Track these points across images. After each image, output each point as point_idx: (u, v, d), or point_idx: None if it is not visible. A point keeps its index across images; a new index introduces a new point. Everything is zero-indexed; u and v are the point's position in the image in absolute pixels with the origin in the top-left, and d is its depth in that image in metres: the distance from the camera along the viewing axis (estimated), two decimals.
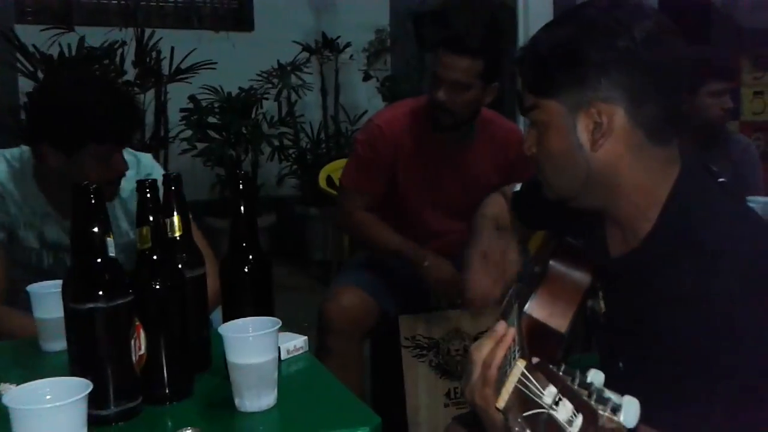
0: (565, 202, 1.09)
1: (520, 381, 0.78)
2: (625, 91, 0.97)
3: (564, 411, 0.68)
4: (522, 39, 4.02)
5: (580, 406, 0.67)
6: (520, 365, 0.80)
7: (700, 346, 0.91)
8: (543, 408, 0.70)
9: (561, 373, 0.72)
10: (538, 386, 0.74)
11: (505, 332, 0.92)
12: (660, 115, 0.99)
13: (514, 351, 0.87)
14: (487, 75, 2.11)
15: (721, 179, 1.05)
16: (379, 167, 2.20)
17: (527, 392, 0.76)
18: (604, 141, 0.99)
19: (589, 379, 0.71)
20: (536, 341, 0.92)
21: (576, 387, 0.69)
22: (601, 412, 0.65)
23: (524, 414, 0.73)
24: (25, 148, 1.66)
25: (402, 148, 2.19)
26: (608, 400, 0.67)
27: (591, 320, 1.12)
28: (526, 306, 1.06)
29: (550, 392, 0.71)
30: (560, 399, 0.69)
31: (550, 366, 0.74)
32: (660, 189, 1.01)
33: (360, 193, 2.23)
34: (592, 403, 0.66)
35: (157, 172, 1.71)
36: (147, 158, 1.77)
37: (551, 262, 1.11)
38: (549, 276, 1.09)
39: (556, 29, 1.03)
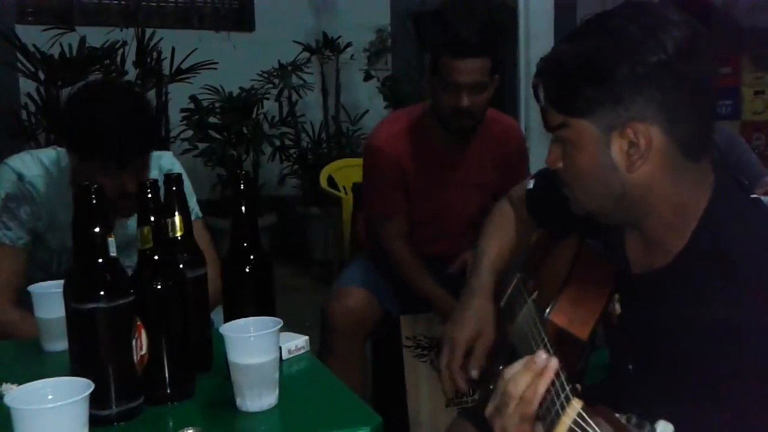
0: (593, 219, 1.05)
1: (575, 422, 0.73)
2: (661, 108, 0.92)
3: None
4: (522, 39, 4.03)
5: None
6: (576, 405, 0.75)
7: (725, 366, 0.89)
8: None
9: (631, 426, 0.67)
10: None
11: (546, 364, 0.84)
12: (696, 130, 0.95)
13: (562, 386, 0.81)
14: (494, 69, 2.11)
15: (754, 195, 1.01)
16: (394, 187, 2.18)
17: None
18: (642, 162, 0.94)
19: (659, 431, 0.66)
20: (557, 349, 0.90)
21: None
22: None
23: None
24: (61, 150, 1.66)
25: (406, 164, 2.18)
26: None
27: (603, 321, 1.11)
28: (548, 311, 1.04)
29: None
30: None
31: (617, 415, 0.69)
32: (693, 205, 0.97)
33: (389, 219, 2.19)
34: None
35: (177, 169, 1.70)
36: (167, 158, 1.75)
37: (573, 267, 1.08)
38: (571, 281, 1.06)
39: (582, 42, 0.96)
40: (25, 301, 1.58)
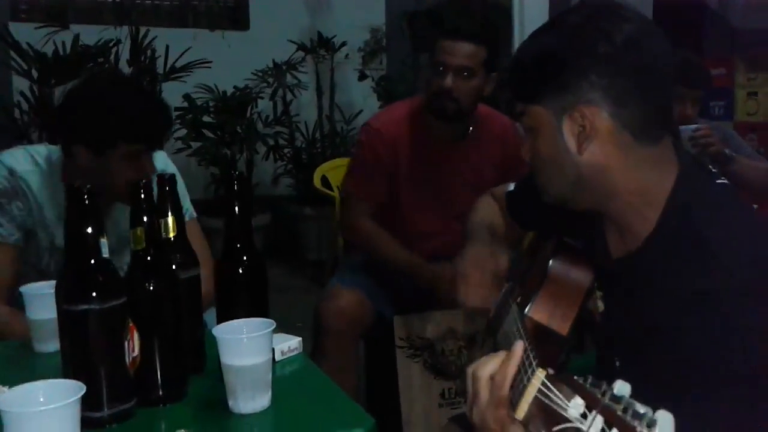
0: (562, 205, 1.10)
1: (540, 391, 0.76)
2: (607, 93, 0.98)
3: (595, 426, 0.65)
4: (517, 39, 4.02)
5: (613, 421, 0.64)
6: (540, 374, 0.77)
7: (703, 347, 0.91)
8: (570, 422, 0.68)
9: (588, 386, 0.70)
10: (562, 397, 0.71)
11: (512, 348, 0.90)
12: (646, 115, 0.99)
13: (529, 362, 0.85)
14: (489, 63, 2.12)
15: (720, 180, 1.04)
16: (382, 172, 2.19)
17: (550, 404, 0.73)
18: (589, 144, 1.00)
19: (616, 391, 0.68)
20: (538, 344, 0.91)
21: (607, 401, 0.67)
22: (638, 428, 0.62)
23: (554, 429, 0.70)
24: (52, 147, 1.66)
25: (401, 150, 2.19)
26: (643, 415, 0.64)
27: (586, 319, 1.12)
28: (527, 308, 1.05)
29: (576, 404, 0.69)
30: (589, 413, 0.67)
31: (575, 377, 0.72)
32: (658, 190, 1.01)
33: (365, 201, 2.22)
34: (628, 418, 0.64)
35: (171, 169, 1.70)
36: (161, 156, 1.76)
37: (551, 264, 1.10)
38: (549, 278, 1.08)
39: (540, 37, 1.05)
40: (18, 300, 1.58)
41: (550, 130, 1.02)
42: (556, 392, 0.73)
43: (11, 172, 1.60)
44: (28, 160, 1.63)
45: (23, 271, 1.63)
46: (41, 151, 1.65)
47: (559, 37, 1.02)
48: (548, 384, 0.75)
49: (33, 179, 1.61)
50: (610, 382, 0.70)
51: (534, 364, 0.82)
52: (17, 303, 1.56)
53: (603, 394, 0.68)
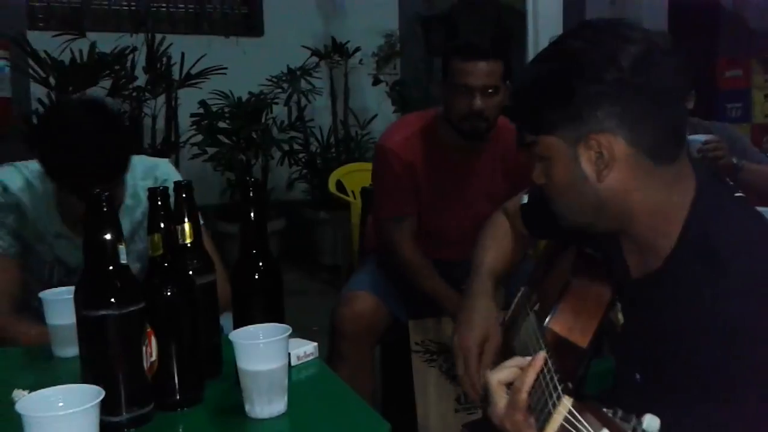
0: (581, 230, 1.08)
1: (566, 419, 0.76)
2: (621, 119, 0.96)
3: None
4: (531, 43, 4.02)
5: None
6: (567, 402, 0.77)
7: (725, 365, 0.90)
8: None
9: (617, 419, 0.69)
10: (589, 428, 0.71)
11: (533, 356, 0.91)
12: (660, 135, 0.98)
13: (553, 380, 0.84)
14: (506, 74, 2.10)
15: (738, 194, 1.03)
16: (406, 188, 2.18)
17: None
18: (609, 171, 0.98)
19: (645, 426, 0.68)
20: (558, 356, 0.91)
21: None
22: None
23: None
24: None
25: (417, 168, 2.18)
26: None
27: (607, 330, 1.12)
28: (547, 320, 1.05)
29: None
30: None
31: (604, 409, 0.71)
32: (677, 207, 1.00)
33: (400, 220, 2.19)
34: None
35: (173, 178, 1.66)
36: (165, 165, 1.75)
37: (572, 276, 1.10)
38: (570, 290, 1.08)
39: (543, 65, 1.03)
40: (25, 310, 1.59)
41: (566, 159, 1.00)
42: (584, 422, 0.72)
43: (5, 188, 1.59)
44: (20, 177, 1.61)
45: (28, 283, 1.63)
46: (33, 166, 1.61)
47: (563, 64, 0.99)
48: (575, 413, 0.75)
49: (25, 196, 1.60)
50: (632, 403, 0.69)
51: (560, 389, 0.81)
52: (26, 312, 1.58)
53: (633, 430, 0.68)
